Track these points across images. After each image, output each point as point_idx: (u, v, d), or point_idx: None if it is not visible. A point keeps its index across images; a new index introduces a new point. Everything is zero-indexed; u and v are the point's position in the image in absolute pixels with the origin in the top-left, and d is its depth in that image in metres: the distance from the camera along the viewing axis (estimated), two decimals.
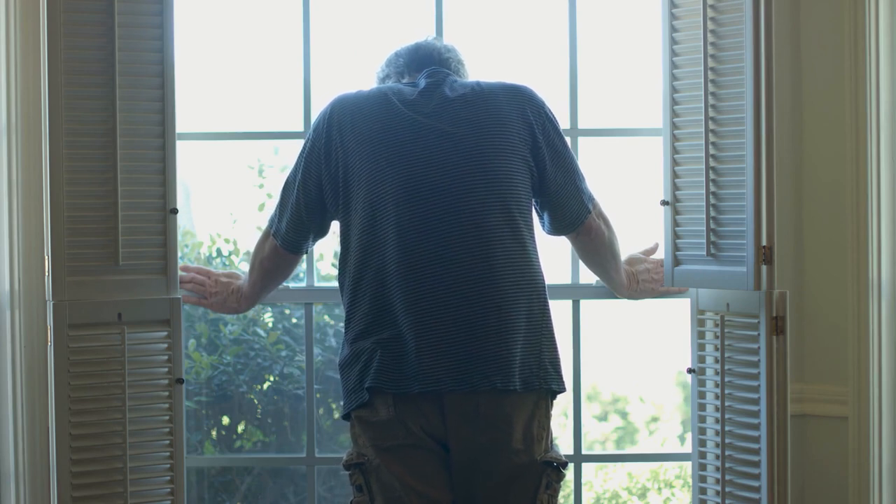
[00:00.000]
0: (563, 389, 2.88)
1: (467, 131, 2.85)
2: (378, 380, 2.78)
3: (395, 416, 2.78)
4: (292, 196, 3.01)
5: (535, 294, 2.84)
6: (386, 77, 3.10)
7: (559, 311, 3.57)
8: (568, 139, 3.12)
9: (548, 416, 2.87)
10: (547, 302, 2.89)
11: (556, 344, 2.88)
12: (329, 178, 2.94)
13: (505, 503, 2.82)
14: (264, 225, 3.17)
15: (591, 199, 3.05)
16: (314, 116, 3.43)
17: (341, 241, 2.94)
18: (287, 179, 3.05)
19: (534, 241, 2.89)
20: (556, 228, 3.05)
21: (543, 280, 2.89)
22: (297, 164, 3.02)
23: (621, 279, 3.22)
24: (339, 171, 2.91)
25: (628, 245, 3.29)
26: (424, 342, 2.76)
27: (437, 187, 2.82)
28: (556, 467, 2.85)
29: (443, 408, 2.78)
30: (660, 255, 3.32)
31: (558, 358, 2.88)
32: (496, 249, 2.80)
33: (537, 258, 2.89)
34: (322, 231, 3.07)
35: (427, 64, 3.03)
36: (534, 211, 2.98)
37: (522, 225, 2.86)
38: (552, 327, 2.89)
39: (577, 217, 3.02)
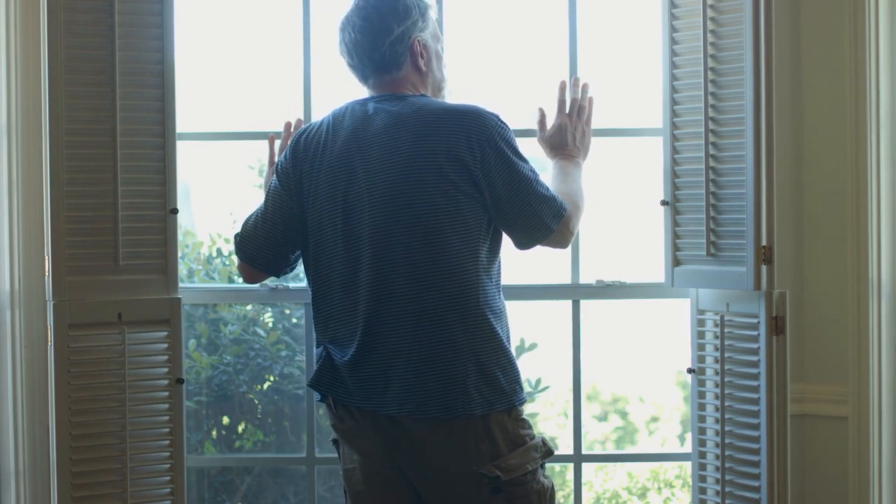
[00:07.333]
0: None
1: (394, 179, 2.76)
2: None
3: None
4: None
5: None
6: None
7: (559, 311, 3.57)
8: None
9: None
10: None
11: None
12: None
13: None
14: None
15: (555, 218, 2.85)
16: (314, 116, 3.43)
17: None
18: None
19: (475, 274, 2.76)
20: (517, 245, 2.89)
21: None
22: None
23: (580, 182, 3.08)
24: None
25: (628, 247, 3.27)
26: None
27: (368, 243, 2.76)
28: None
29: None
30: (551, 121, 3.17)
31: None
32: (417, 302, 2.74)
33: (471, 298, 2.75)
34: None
35: (368, 64, 2.90)
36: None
37: (452, 259, 2.75)
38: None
39: (534, 239, 2.86)
